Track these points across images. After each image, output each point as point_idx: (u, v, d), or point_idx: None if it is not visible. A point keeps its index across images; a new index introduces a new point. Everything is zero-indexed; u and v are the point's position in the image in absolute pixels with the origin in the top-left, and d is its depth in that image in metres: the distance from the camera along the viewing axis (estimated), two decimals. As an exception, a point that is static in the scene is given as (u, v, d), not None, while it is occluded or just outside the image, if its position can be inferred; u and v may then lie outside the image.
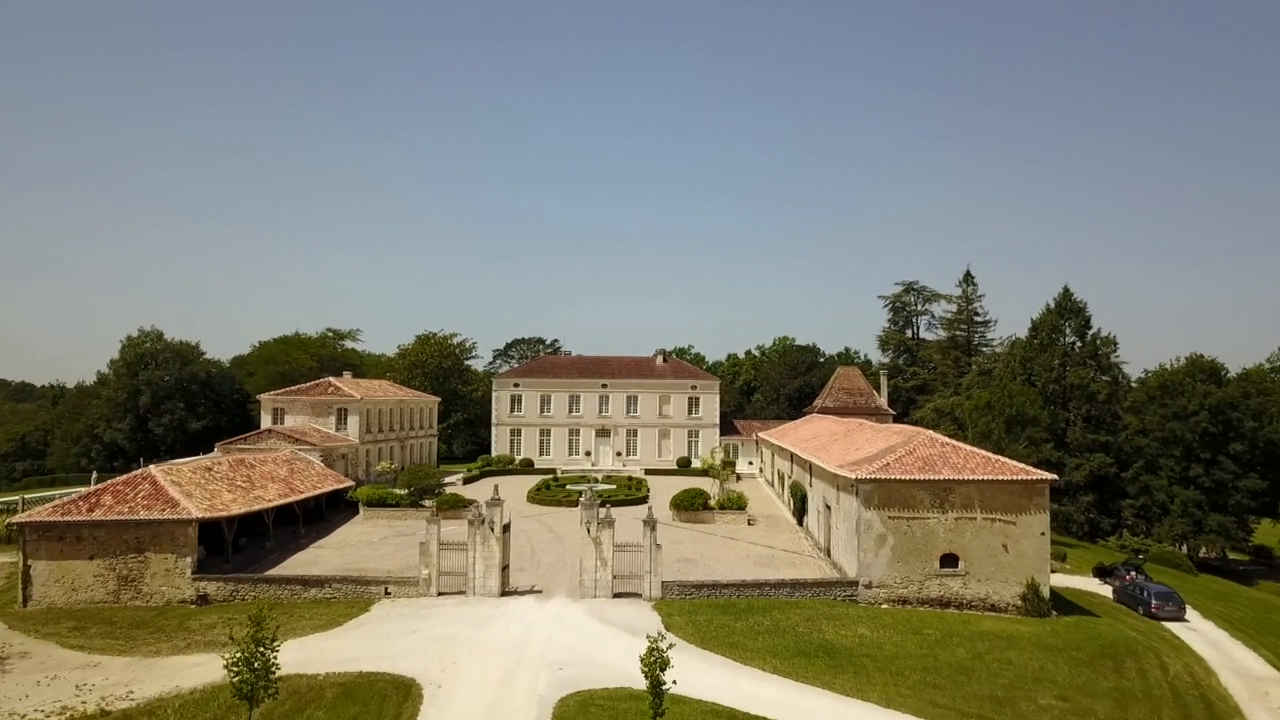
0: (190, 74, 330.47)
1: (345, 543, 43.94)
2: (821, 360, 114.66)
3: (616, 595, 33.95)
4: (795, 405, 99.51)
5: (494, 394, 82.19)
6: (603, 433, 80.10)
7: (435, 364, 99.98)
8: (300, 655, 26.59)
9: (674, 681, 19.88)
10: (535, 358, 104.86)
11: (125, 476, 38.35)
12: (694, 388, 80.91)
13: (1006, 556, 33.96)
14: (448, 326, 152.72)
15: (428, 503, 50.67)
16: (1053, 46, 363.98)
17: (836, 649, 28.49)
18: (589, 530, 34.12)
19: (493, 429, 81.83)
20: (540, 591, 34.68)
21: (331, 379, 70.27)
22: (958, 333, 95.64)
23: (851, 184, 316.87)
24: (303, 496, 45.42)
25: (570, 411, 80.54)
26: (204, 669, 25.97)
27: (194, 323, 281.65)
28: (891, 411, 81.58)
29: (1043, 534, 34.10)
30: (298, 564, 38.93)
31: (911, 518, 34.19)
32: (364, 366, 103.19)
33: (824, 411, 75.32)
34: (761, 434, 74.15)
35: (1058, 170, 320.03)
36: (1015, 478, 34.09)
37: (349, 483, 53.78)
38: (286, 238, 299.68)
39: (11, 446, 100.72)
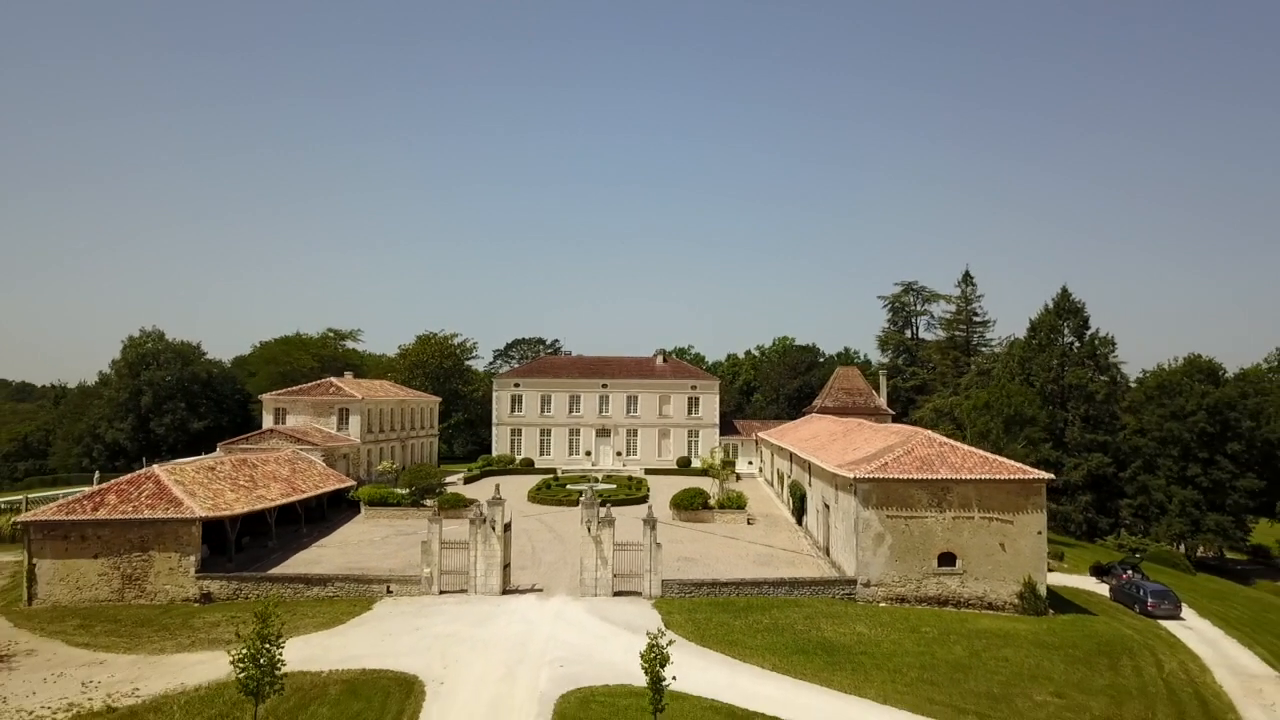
0: (190, 74, 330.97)
1: (347, 542, 44.21)
2: (821, 360, 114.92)
3: (617, 593, 34.22)
4: (795, 405, 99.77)
5: (494, 394, 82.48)
6: (603, 432, 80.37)
7: (436, 364, 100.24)
8: (304, 653, 26.82)
9: (674, 678, 20.15)
10: (535, 358, 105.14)
11: (129, 476, 38.62)
12: (694, 388, 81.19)
13: (1004, 555, 34.22)
14: (448, 327, 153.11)
15: (429, 502, 50.97)
16: (1053, 46, 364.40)
17: (835, 646, 28.75)
18: (589, 529, 34.38)
19: (493, 429, 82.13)
20: (541, 590, 34.94)
21: (333, 379, 70.52)
22: (957, 333, 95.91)
23: (851, 184, 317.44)
24: (305, 496, 45.69)
25: (570, 411, 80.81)
26: (208, 666, 26.25)
27: (194, 323, 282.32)
28: (891, 411, 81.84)
29: (1039, 533, 34.35)
30: (300, 563, 39.18)
31: (909, 517, 34.45)
32: (365, 367, 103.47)
33: (823, 411, 75.57)
34: (761, 434, 74.41)
35: (1057, 170, 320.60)
36: (1012, 477, 34.34)
37: (350, 482, 54.06)
38: (286, 238, 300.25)
39: (14, 446, 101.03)
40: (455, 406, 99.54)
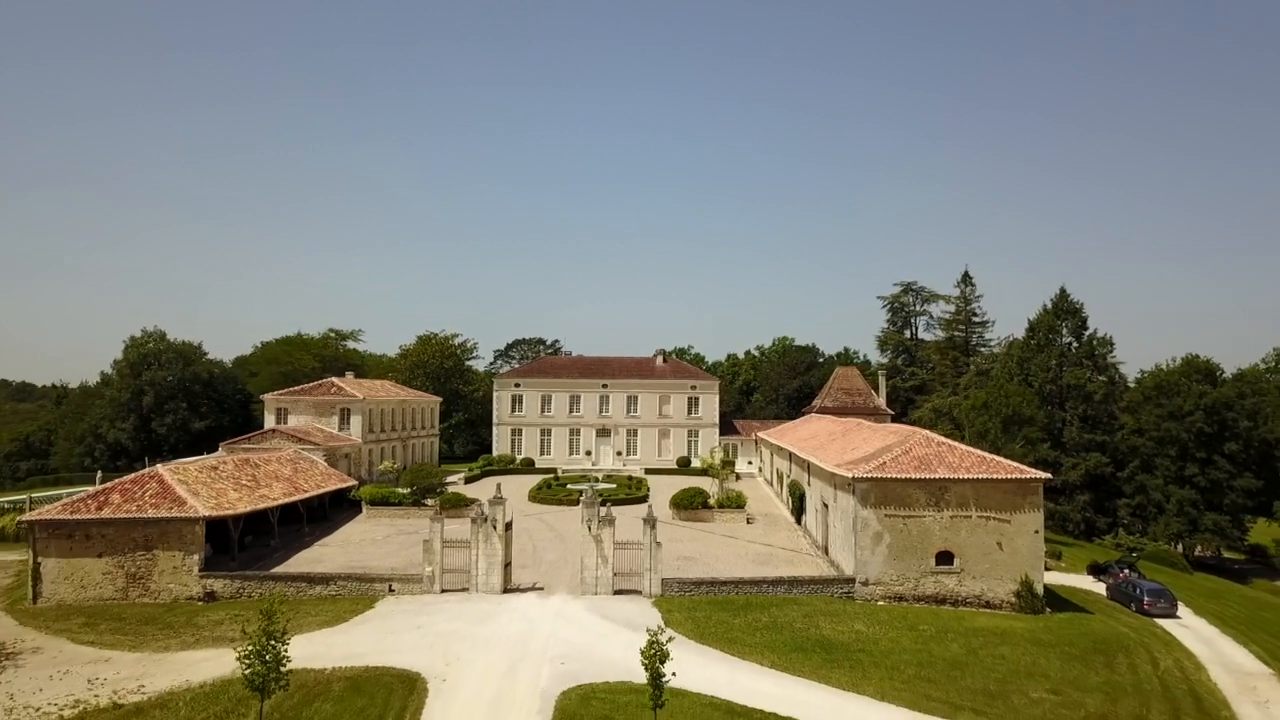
0: (190, 74, 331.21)
1: (349, 541, 44.48)
2: (820, 360, 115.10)
3: (617, 592, 34.49)
4: (794, 405, 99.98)
5: (495, 394, 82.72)
6: (603, 432, 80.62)
7: (436, 364, 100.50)
8: (307, 650, 27.09)
9: (673, 674, 20.41)
10: (536, 358, 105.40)
11: (133, 475, 38.89)
12: (694, 388, 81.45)
13: (1001, 554, 34.47)
14: (448, 327, 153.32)
15: (430, 501, 51.25)
16: (1053, 46, 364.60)
17: (833, 644, 29.01)
18: (590, 528, 34.65)
19: (494, 429, 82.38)
20: (542, 588, 35.21)
21: (334, 379, 70.78)
22: (956, 333, 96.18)
23: (851, 184, 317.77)
24: (307, 495, 45.96)
25: (571, 411, 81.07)
26: (213, 663, 26.52)
27: (195, 323, 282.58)
28: (890, 411, 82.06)
29: (1036, 532, 34.60)
30: (303, 562, 39.45)
31: (908, 516, 34.71)
32: (366, 367, 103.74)
33: (823, 411, 75.82)
34: (760, 434, 74.67)
35: (1057, 170, 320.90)
36: (1009, 476, 34.60)
37: (352, 482, 54.36)
38: (287, 238, 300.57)
39: (15, 446, 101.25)
40: (456, 406, 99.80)
